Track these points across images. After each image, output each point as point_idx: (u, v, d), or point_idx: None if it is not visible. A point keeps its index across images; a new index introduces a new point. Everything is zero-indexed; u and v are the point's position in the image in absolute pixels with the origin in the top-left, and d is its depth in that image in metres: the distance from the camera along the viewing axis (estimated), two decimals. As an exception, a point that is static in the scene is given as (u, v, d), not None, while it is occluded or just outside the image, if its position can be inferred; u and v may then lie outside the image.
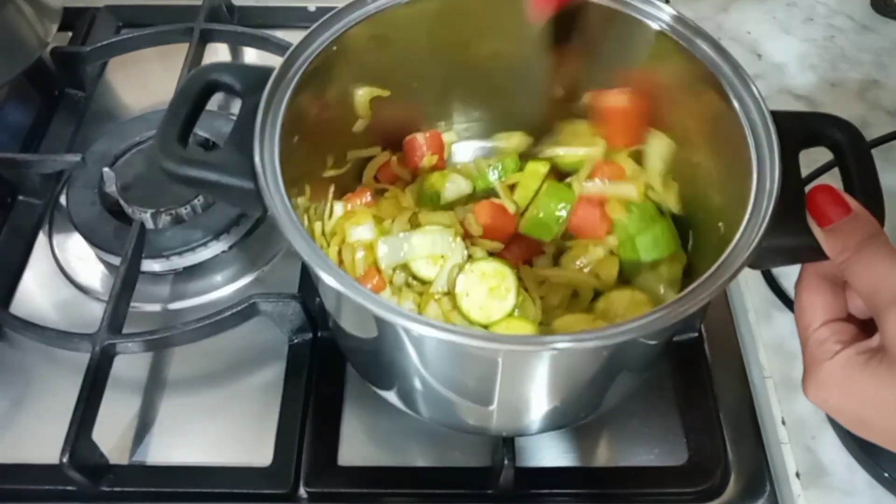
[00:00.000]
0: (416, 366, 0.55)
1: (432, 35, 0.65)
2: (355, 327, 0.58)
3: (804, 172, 0.54)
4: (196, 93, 0.56)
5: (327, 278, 0.46)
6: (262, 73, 0.56)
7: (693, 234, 0.67)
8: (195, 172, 0.53)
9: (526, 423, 0.62)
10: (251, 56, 0.98)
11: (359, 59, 0.62)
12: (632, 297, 0.63)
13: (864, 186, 0.52)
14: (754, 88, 0.55)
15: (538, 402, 0.59)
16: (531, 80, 0.70)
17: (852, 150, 0.54)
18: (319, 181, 0.66)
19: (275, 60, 0.89)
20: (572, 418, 0.64)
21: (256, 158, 0.51)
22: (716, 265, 0.48)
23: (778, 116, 0.54)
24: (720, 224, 0.58)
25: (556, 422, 0.63)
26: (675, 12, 0.59)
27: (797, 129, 0.55)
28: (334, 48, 0.59)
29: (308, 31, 0.58)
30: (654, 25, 0.59)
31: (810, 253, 0.50)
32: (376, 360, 0.61)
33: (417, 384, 0.58)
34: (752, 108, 0.55)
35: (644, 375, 0.67)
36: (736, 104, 0.56)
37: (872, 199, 0.52)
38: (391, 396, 0.63)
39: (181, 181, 0.54)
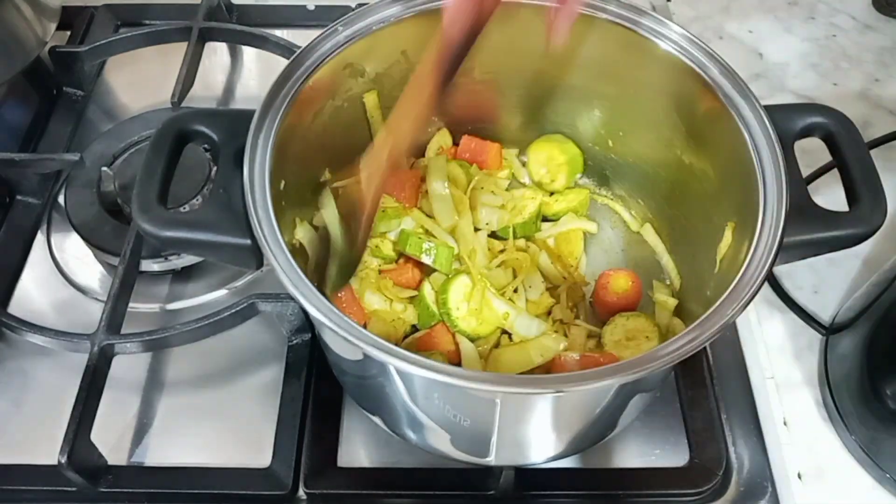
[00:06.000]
0: (409, 405, 0.55)
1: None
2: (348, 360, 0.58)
3: (805, 172, 0.54)
4: (169, 146, 0.53)
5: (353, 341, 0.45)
6: (238, 119, 0.54)
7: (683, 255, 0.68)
8: (183, 234, 0.51)
9: (531, 458, 0.62)
10: (250, 55, 0.97)
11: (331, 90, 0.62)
12: None
13: (862, 176, 0.53)
14: (743, 85, 0.56)
15: (544, 438, 0.59)
16: (535, 90, 0.70)
17: (845, 139, 0.54)
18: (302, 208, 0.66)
19: (274, 59, 0.90)
20: (586, 445, 0.64)
21: (253, 218, 0.49)
22: (741, 271, 0.48)
23: (770, 111, 0.54)
24: (727, 223, 0.58)
25: (567, 452, 0.63)
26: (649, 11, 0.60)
27: (790, 121, 0.55)
28: (309, 84, 0.58)
29: (281, 72, 0.56)
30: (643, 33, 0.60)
31: (818, 247, 0.49)
32: (364, 385, 0.61)
33: (410, 418, 0.58)
34: (744, 104, 0.55)
35: (658, 391, 0.67)
36: (724, 100, 0.56)
37: (871, 189, 0.52)
38: (379, 422, 0.63)
39: (167, 243, 0.52)
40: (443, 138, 0.76)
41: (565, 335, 0.66)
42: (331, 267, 0.65)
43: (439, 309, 0.66)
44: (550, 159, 0.75)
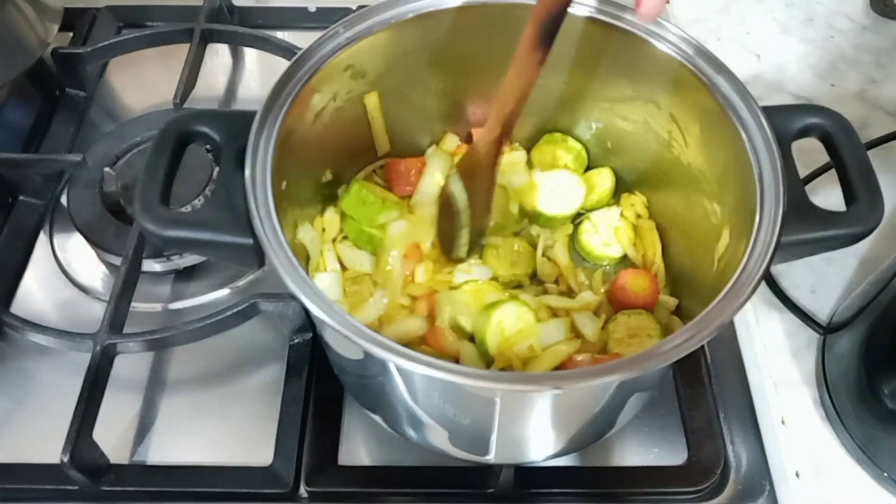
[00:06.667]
0: (410, 403, 0.55)
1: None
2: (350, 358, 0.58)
3: (803, 173, 0.54)
4: (171, 147, 0.54)
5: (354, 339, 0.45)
6: (240, 119, 0.54)
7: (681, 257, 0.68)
8: (185, 233, 0.51)
9: (530, 456, 0.62)
10: (252, 56, 0.98)
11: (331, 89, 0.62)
12: None
13: (860, 176, 0.53)
14: (741, 86, 0.56)
15: (543, 436, 0.59)
16: (541, 91, 0.71)
17: (842, 139, 0.54)
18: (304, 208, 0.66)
19: (276, 61, 0.90)
20: (584, 444, 0.64)
21: (255, 217, 0.49)
22: (739, 270, 0.48)
23: (768, 111, 0.55)
24: (726, 223, 0.58)
25: (566, 450, 0.63)
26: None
27: (787, 122, 0.55)
28: (310, 85, 0.58)
29: (282, 73, 0.56)
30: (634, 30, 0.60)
31: (816, 246, 0.50)
32: (365, 383, 0.61)
33: (411, 417, 0.58)
34: (742, 105, 0.55)
35: (657, 390, 0.67)
36: (722, 101, 0.56)
37: (868, 189, 0.52)
38: (379, 420, 0.64)
39: (169, 243, 0.52)
40: (448, 141, 0.76)
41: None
42: (460, 237, 0.66)
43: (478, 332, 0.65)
44: (557, 159, 0.75)
